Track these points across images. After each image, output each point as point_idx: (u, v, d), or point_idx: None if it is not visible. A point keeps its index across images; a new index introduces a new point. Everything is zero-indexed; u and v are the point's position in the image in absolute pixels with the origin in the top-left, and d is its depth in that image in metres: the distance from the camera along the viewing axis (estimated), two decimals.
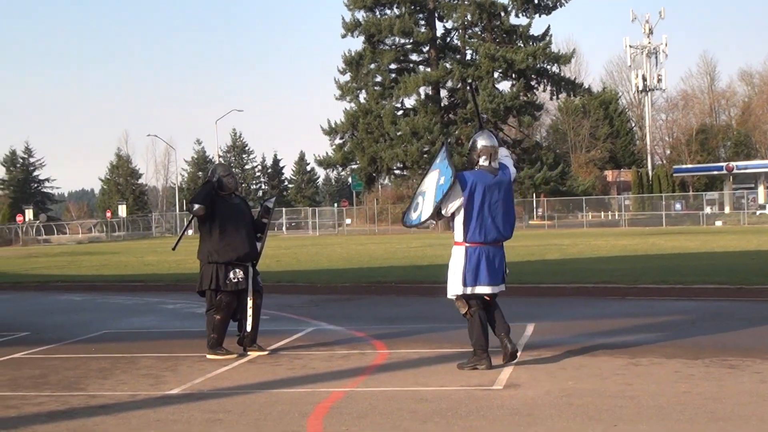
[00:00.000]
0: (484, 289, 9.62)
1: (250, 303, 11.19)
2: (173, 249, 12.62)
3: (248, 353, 11.08)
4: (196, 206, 11.00)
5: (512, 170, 10.00)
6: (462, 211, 9.53)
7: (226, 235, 11.04)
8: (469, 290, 9.57)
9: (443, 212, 9.60)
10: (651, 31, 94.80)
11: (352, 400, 8.27)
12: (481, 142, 9.80)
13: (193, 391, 8.99)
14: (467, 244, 9.57)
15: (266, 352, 11.17)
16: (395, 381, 9.14)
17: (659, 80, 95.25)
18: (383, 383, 9.05)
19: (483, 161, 9.73)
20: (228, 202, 11.29)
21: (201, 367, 10.32)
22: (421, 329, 12.87)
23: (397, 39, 71.05)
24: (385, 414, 7.66)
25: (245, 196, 13.36)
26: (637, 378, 8.80)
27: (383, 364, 10.18)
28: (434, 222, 10.12)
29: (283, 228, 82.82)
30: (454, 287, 9.65)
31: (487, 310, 9.78)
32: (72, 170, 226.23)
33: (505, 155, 10.16)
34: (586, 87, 77.20)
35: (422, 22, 71.17)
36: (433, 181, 9.69)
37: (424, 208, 9.72)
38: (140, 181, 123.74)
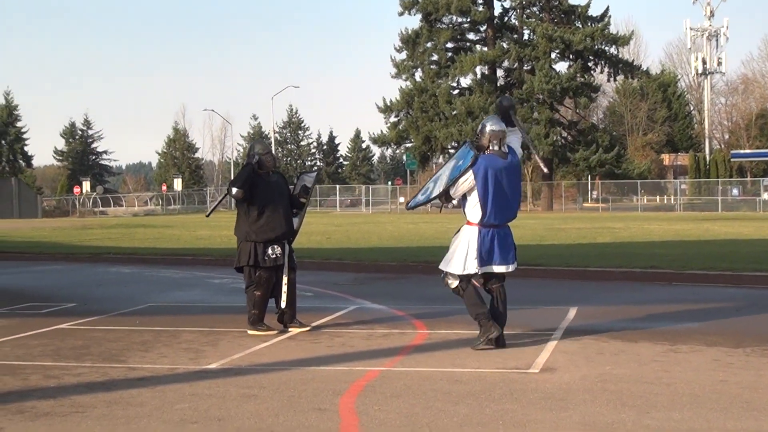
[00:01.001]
0: (499, 268, 9.81)
1: (285, 280, 11.25)
2: (207, 216, 12.69)
3: (289, 329, 11.15)
4: (235, 190, 11.06)
5: (519, 152, 10.09)
6: (474, 194, 9.67)
7: (263, 215, 11.08)
8: (484, 269, 9.75)
9: (451, 193, 9.80)
10: (712, 14, 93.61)
11: (387, 379, 8.29)
12: (490, 126, 9.85)
13: (231, 366, 9.06)
14: (482, 226, 9.71)
15: (308, 328, 11.23)
16: (432, 361, 9.15)
17: (719, 63, 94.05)
18: (420, 363, 9.06)
19: (493, 146, 9.81)
20: (266, 180, 11.31)
21: (241, 343, 10.39)
22: (464, 310, 12.71)
23: (454, 17, 70.85)
24: (418, 394, 7.66)
25: (299, 172, 13.24)
26: (676, 365, 8.73)
27: (422, 345, 10.19)
28: (440, 203, 10.20)
29: (337, 205, 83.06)
30: (469, 266, 9.74)
31: (494, 296, 9.96)
32: (130, 143, 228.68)
33: (516, 138, 10.18)
34: (645, 69, 76.52)
35: (480, 1, 70.81)
36: (449, 167, 9.91)
37: (434, 190, 9.95)
38: (196, 155, 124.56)
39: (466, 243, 9.78)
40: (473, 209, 9.75)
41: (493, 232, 9.74)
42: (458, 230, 10.02)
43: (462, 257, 9.78)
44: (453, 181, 9.74)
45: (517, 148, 10.09)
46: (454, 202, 9.99)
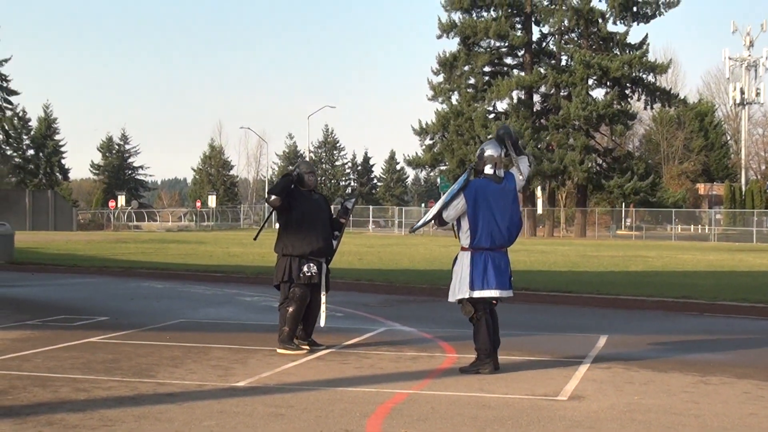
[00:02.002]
0: (492, 293, 9.83)
1: (323, 299, 11.33)
2: (254, 239, 12.76)
3: (301, 347, 11.19)
4: (273, 197, 11.22)
5: (518, 180, 10.17)
6: (466, 218, 9.82)
7: (302, 229, 11.20)
8: (476, 294, 9.78)
9: (444, 216, 9.93)
10: (752, 44, 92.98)
11: (415, 402, 8.29)
12: (488, 151, 10.08)
13: (259, 384, 9.09)
14: (473, 250, 9.81)
15: (323, 347, 11.33)
16: (460, 385, 9.13)
17: (757, 94, 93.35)
18: (448, 387, 9.04)
19: (488, 169, 10.01)
20: (307, 197, 11.44)
21: (270, 361, 10.42)
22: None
23: (492, 42, 70.79)
24: (445, 418, 7.66)
25: (332, 192, 13.28)
26: (705, 397, 8.68)
27: (450, 368, 10.18)
28: (436, 226, 10.32)
29: (369, 226, 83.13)
30: (461, 291, 9.85)
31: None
32: (166, 159, 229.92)
33: (525, 165, 10.33)
34: (682, 98, 76.06)
35: (518, 26, 70.81)
36: (448, 191, 10.07)
37: (430, 213, 10.15)
38: (231, 172, 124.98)
39: (459, 268, 9.95)
40: (465, 233, 9.91)
41: (486, 255, 9.81)
42: (455, 258, 10.13)
43: (456, 283, 9.93)
44: (446, 204, 9.90)
45: (518, 176, 10.18)
46: (449, 224, 10.08)
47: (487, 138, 67.55)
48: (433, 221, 10.13)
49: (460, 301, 9.94)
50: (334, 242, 11.67)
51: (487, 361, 9.76)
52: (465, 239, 9.91)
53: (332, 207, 12.31)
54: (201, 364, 10.25)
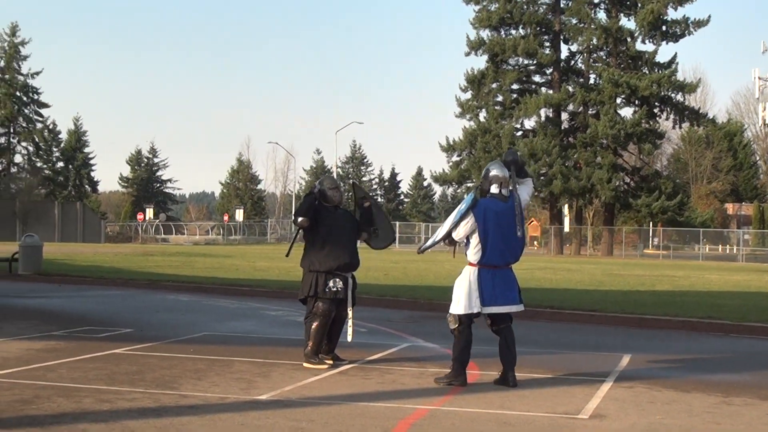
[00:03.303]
0: (502, 309, 10.11)
1: (350, 313, 11.38)
2: (287, 255, 12.81)
3: (324, 361, 11.24)
4: (300, 219, 11.30)
5: (524, 197, 10.41)
6: (475, 235, 10.02)
7: (327, 244, 11.26)
8: (488, 310, 10.04)
9: (454, 235, 10.13)
10: None
11: (435, 418, 8.31)
12: (494, 171, 10.32)
13: (281, 398, 9.12)
14: (481, 266, 10.02)
15: (346, 362, 11.37)
16: (481, 402, 9.14)
17: None
18: (469, 404, 9.05)
19: (494, 189, 10.26)
20: (332, 213, 11.51)
21: (292, 375, 10.46)
22: (519, 352, 12.77)
23: (520, 59, 70.83)
24: None
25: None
26: (727, 418, 8.65)
27: (472, 385, 10.17)
28: (446, 245, 10.57)
29: (396, 242, 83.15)
30: (472, 306, 10.02)
31: (501, 336, 10.26)
32: (194, 172, 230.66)
33: (530, 187, 10.66)
34: (711, 117, 75.76)
35: (547, 44, 70.84)
36: (455, 211, 10.23)
37: (439, 233, 10.33)
38: (259, 186, 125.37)
39: (467, 283, 10.08)
40: (474, 250, 10.08)
41: (494, 272, 10.03)
42: (461, 273, 10.25)
43: (464, 297, 10.05)
44: (455, 224, 10.07)
45: (523, 193, 10.40)
46: (459, 244, 10.25)
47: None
48: (442, 242, 10.33)
49: (451, 315, 10.13)
50: (374, 238, 11.96)
51: (461, 373, 10.01)
52: (473, 256, 10.08)
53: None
54: (224, 376, 10.30)
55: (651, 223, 70.98)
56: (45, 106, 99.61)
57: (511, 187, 10.31)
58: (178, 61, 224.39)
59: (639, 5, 67.92)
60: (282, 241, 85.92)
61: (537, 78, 73.41)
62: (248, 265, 35.21)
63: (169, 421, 7.94)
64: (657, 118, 71.13)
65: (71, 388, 9.34)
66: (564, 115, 72.35)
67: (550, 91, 70.56)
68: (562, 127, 71.60)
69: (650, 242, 73.19)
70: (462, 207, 10.11)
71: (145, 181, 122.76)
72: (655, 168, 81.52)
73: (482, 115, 71.99)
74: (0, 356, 11.43)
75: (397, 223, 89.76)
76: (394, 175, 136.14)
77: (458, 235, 10.09)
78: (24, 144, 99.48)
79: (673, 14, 68.65)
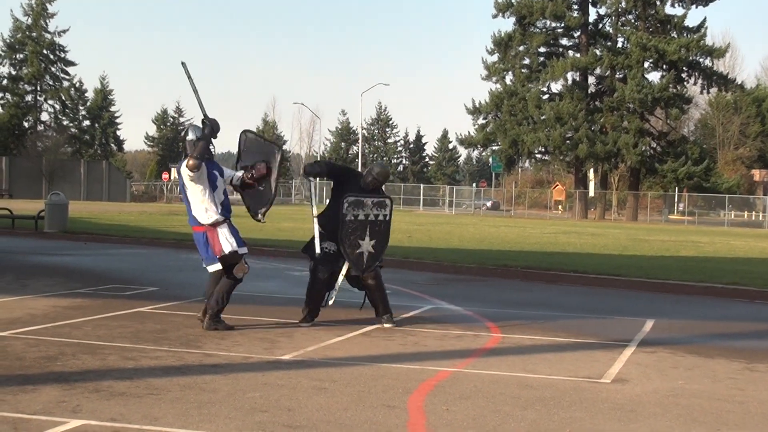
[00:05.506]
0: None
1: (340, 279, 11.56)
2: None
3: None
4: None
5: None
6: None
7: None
8: None
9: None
10: None
11: (458, 380, 8.32)
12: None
13: (304, 358, 9.15)
14: None
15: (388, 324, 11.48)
16: (504, 365, 9.14)
17: None
18: (491, 366, 9.05)
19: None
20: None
21: (315, 336, 10.50)
22: (540, 316, 12.80)
23: (548, 22, 70.52)
24: (487, 397, 7.68)
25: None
26: (750, 384, 8.63)
27: (495, 348, 10.19)
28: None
29: (420, 204, 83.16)
30: None
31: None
32: (220, 132, 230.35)
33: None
34: (739, 83, 75.19)
35: (575, 7, 70.43)
36: None
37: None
38: (284, 147, 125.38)
39: None
40: None
41: None
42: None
43: None
44: None
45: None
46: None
47: (541, 119, 67.48)
48: None
49: None
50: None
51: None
52: None
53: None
54: (247, 336, 10.34)
55: (677, 188, 70.69)
56: (72, 64, 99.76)
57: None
58: (205, 21, 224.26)
59: None
60: (304, 202, 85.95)
61: (564, 41, 73.16)
62: (272, 225, 35.22)
63: (193, 379, 7.98)
64: (685, 83, 70.72)
65: (96, 345, 9.40)
66: (591, 79, 72.07)
67: (578, 55, 70.26)
68: (589, 91, 71.29)
69: (675, 208, 72.94)
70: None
71: (171, 140, 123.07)
72: (682, 133, 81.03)
73: (509, 78, 71.85)
74: (27, 313, 11.53)
75: (422, 186, 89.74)
76: (419, 137, 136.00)
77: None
78: (50, 102, 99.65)
79: None
